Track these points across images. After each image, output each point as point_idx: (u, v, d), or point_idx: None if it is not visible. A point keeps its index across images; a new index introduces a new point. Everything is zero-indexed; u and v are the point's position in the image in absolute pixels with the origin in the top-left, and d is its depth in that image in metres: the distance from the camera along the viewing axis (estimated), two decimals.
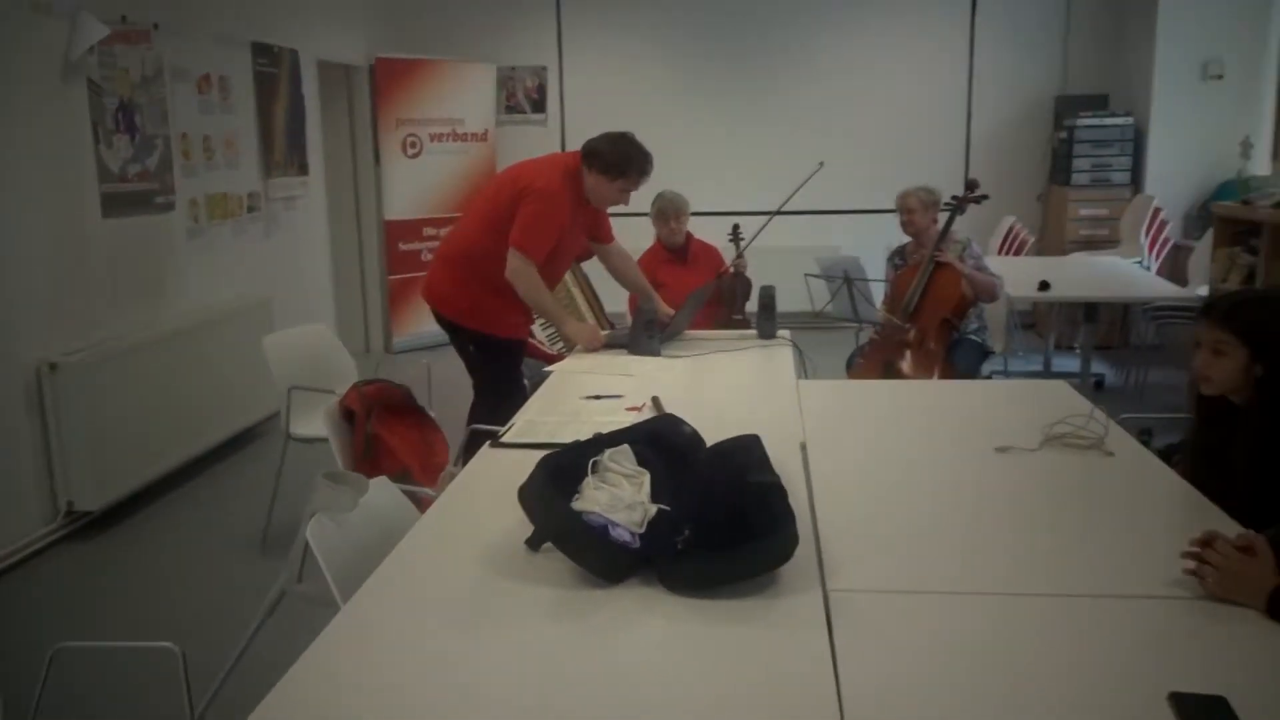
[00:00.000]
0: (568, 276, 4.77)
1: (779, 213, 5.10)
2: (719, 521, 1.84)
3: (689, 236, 4.83)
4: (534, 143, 7.40)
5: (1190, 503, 2.14)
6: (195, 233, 5.14)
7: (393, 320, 7.39)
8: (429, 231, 7.39)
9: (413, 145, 7.32)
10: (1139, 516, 2.13)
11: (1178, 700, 1.39)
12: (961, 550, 1.98)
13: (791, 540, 1.80)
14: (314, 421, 3.86)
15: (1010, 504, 2.22)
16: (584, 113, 7.76)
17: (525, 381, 4.80)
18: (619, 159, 3.67)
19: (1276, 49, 6.06)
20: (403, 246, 7.33)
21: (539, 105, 7.99)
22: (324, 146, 6.71)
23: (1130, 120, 6.87)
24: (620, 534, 1.81)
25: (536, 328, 4.69)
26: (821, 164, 5.21)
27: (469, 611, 1.72)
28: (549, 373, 3.49)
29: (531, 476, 1.88)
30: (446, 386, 4.73)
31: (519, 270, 3.66)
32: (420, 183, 7.36)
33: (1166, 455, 2.50)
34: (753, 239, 4.95)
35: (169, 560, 3.95)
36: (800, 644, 1.59)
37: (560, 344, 4.64)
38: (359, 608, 1.75)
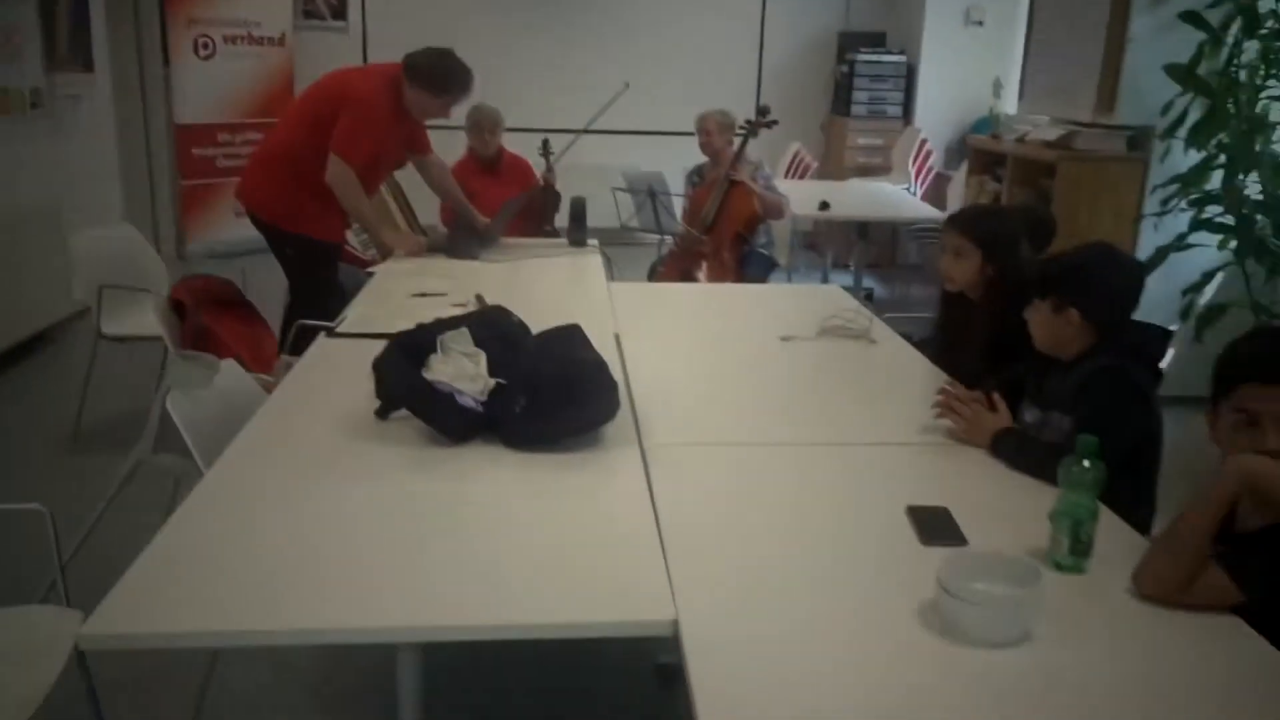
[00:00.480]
0: (383, 186, 4.85)
1: (586, 131, 5.33)
2: (550, 392, 2.12)
3: (501, 149, 4.99)
4: (334, 52, 7.25)
5: (935, 378, 2.60)
6: None
7: (185, 227, 7.15)
8: (224, 137, 7.15)
9: (205, 46, 7.02)
10: (895, 387, 2.58)
11: (912, 511, 1.80)
12: (754, 413, 2.36)
13: (613, 404, 2.11)
14: (125, 320, 3.85)
15: (792, 378, 2.62)
16: (387, 24, 7.64)
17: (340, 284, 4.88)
18: (443, 76, 3.79)
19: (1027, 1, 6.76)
20: (196, 152, 7.06)
21: (339, 12, 7.79)
22: (109, 44, 6.35)
23: (903, 58, 7.49)
24: (465, 400, 2.06)
25: (351, 234, 4.75)
26: (627, 85, 5.48)
27: (330, 469, 1.94)
28: (368, 275, 3.64)
29: (386, 350, 2.10)
30: (252, 292, 4.74)
31: (339, 175, 3.74)
32: (214, 86, 7.08)
33: (920, 346, 2.97)
34: (562, 154, 5.17)
35: None
36: (623, 487, 1.90)
37: (373, 249, 4.73)
38: (224, 471, 1.92)
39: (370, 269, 3.78)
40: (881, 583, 1.57)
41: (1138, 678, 1.35)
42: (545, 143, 5.19)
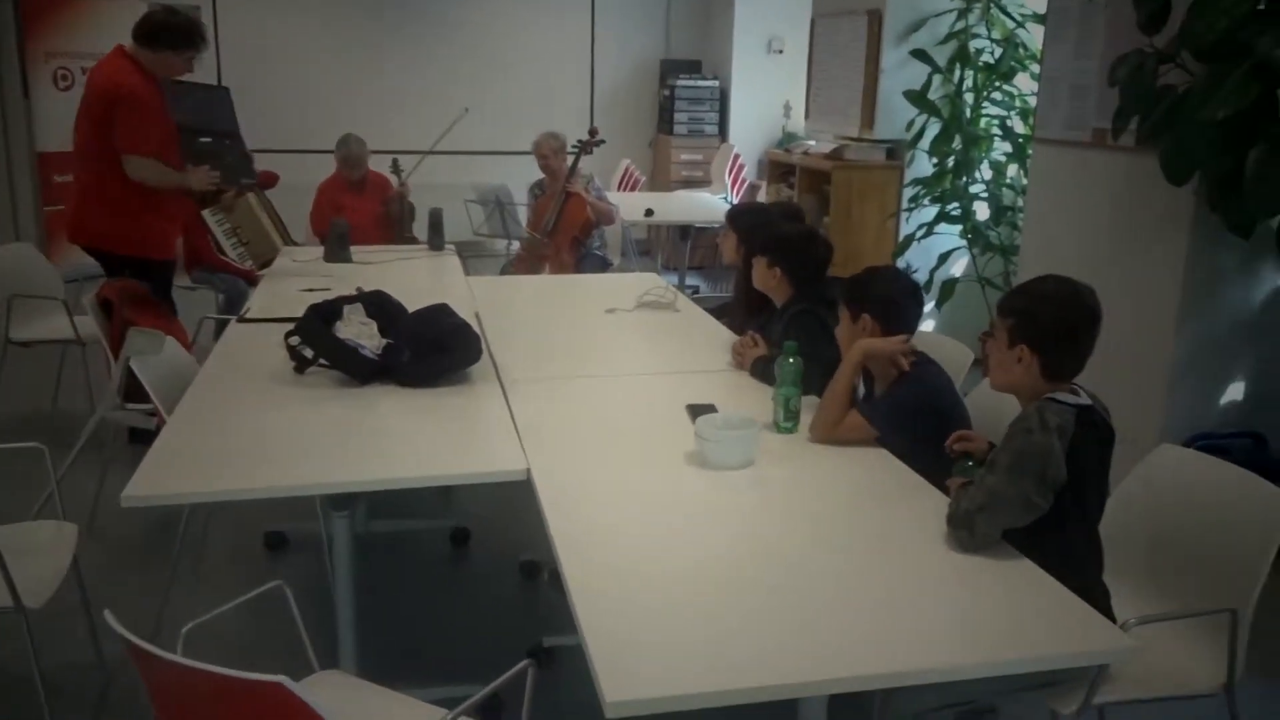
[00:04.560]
0: (253, 199, 5.39)
1: (432, 151, 6.02)
2: (428, 345, 2.84)
3: (367, 170, 5.65)
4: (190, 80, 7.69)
5: (720, 332, 3.45)
6: None
7: (50, 251, 7.44)
8: None
9: (64, 78, 7.37)
10: (691, 338, 3.42)
11: (691, 408, 2.60)
12: (586, 358, 3.17)
13: (478, 351, 2.86)
14: (32, 326, 4.34)
15: (614, 334, 3.44)
16: (239, 54, 8.12)
17: (219, 295, 5.44)
18: (187, 32, 4.00)
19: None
20: (58, 179, 7.38)
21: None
22: None
23: (717, 83, 8.49)
24: (367, 352, 2.77)
25: (228, 247, 5.30)
26: (466, 110, 6.21)
27: (270, 403, 2.61)
28: (245, 285, 4.24)
29: (305, 317, 2.78)
30: None
31: (139, 168, 3.88)
32: (74, 115, 7.41)
33: (717, 314, 3.81)
34: (411, 171, 5.83)
35: None
36: (489, 410, 2.64)
37: (250, 261, 5.29)
38: (187, 408, 2.57)
39: (254, 277, 4.38)
40: (664, 444, 2.37)
41: (815, 484, 2.20)
42: (395, 161, 5.84)
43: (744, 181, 8.07)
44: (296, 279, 4.13)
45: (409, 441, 2.38)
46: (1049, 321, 1.97)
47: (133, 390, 3.13)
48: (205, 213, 4.99)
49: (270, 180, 4.70)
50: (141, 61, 3.97)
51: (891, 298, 2.48)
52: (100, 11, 7.52)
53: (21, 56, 7.20)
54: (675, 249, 7.49)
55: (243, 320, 3.45)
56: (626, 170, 8.23)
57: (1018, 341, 2.00)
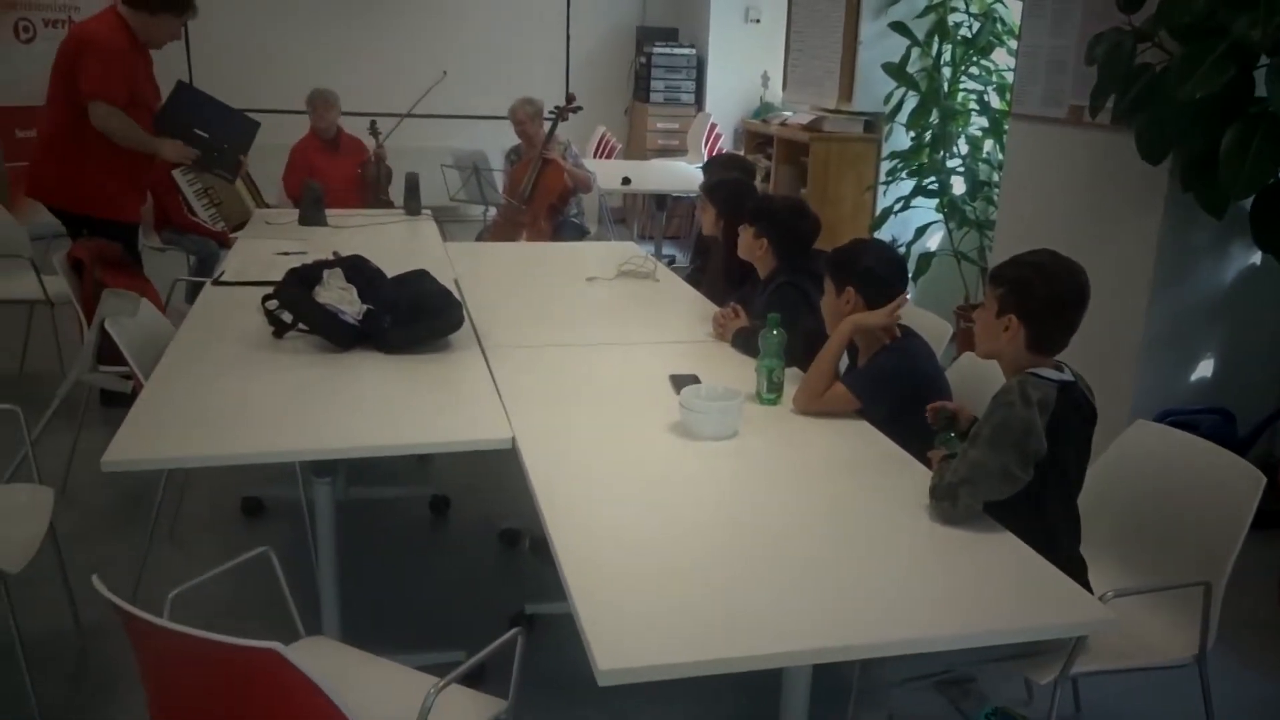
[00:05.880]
0: None
1: (410, 115, 5.95)
2: (409, 311, 2.83)
3: (339, 130, 5.56)
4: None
5: (700, 303, 3.45)
6: None
7: (13, 206, 7.29)
8: None
9: (26, 30, 7.18)
10: (671, 309, 3.42)
11: (674, 378, 2.61)
12: (568, 327, 3.16)
13: (459, 317, 2.85)
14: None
15: (595, 304, 3.44)
16: (213, 13, 7.92)
17: (190, 257, 5.38)
18: None
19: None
20: (20, 134, 7.21)
21: None
22: None
23: (694, 51, 8.43)
24: (347, 318, 2.75)
25: (199, 208, 5.23)
26: (445, 74, 6.14)
27: (249, 368, 2.59)
28: (217, 246, 4.18)
29: (284, 281, 2.75)
30: None
31: (105, 115, 3.80)
32: (36, 68, 7.21)
33: (693, 282, 3.82)
34: (388, 134, 5.77)
35: None
36: (472, 378, 2.63)
37: (222, 223, 5.22)
38: (164, 372, 2.54)
39: (226, 239, 4.32)
40: (648, 414, 2.38)
41: (797, 455, 2.22)
42: (373, 123, 5.77)
43: (721, 151, 8.04)
44: (271, 241, 4.09)
45: (393, 408, 2.37)
46: (1040, 293, 2.00)
47: (106, 352, 3.09)
48: (176, 173, 4.91)
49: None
50: (133, 24, 3.92)
51: (876, 271, 2.49)
52: None
53: None
54: (651, 218, 7.47)
55: (218, 283, 3.41)
56: (602, 138, 8.18)
57: (1007, 310, 2.03)
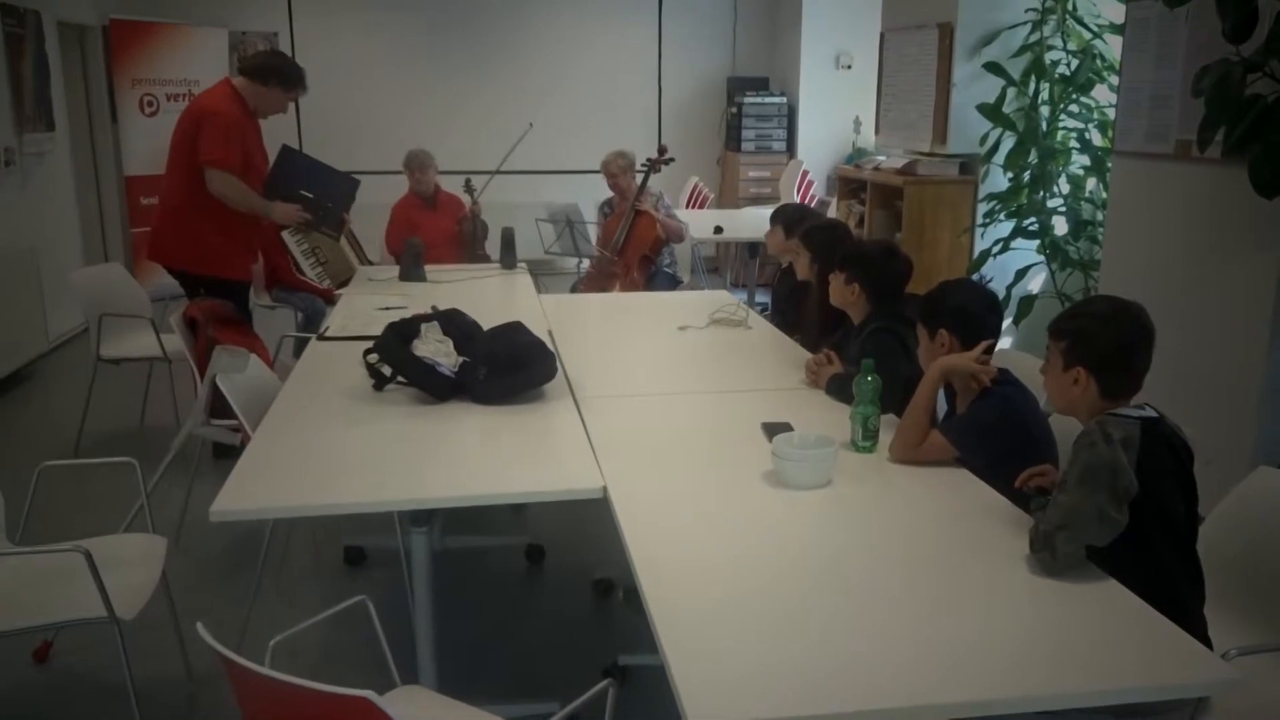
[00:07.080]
0: None
1: (500, 171, 6.09)
2: (504, 363, 2.87)
3: (437, 187, 5.74)
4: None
5: (793, 350, 3.42)
6: None
7: (136, 270, 7.70)
8: None
9: (150, 104, 7.63)
10: (764, 356, 3.40)
11: (766, 426, 2.59)
12: (660, 375, 3.16)
13: (552, 368, 2.88)
14: (121, 344, 4.49)
15: (689, 354, 3.43)
16: (313, 79, 8.29)
17: (298, 314, 5.58)
18: (292, 72, 4.29)
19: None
20: (144, 201, 7.63)
21: None
22: (66, 104, 6.93)
23: (784, 99, 8.46)
24: (444, 370, 2.81)
25: (306, 267, 5.43)
26: (531, 125, 6.28)
27: (350, 420, 2.66)
28: (324, 303, 4.33)
29: (383, 335, 2.83)
30: None
31: (220, 181, 4.03)
32: (159, 140, 7.66)
33: (788, 331, 3.79)
34: (483, 189, 5.92)
35: None
36: (564, 427, 2.64)
37: (328, 280, 5.42)
38: (274, 420, 2.63)
39: (331, 296, 4.47)
40: (740, 463, 2.36)
41: (894, 504, 2.17)
42: (468, 181, 5.93)
43: (813, 198, 8.02)
44: (373, 297, 4.21)
45: (487, 458, 2.40)
46: (1103, 342, 1.95)
47: (217, 406, 3.21)
48: (285, 234, 5.14)
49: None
50: (245, 94, 4.19)
51: (967, 309, 2.44)
52: (183, 40, 7.79)
53: (110, 84, 7.47)
54: (744, 267, 7.47)
55: (322, 339, 3.52)
56: (695, 188, 8.24)
57: (1073, 364, 1.98)
